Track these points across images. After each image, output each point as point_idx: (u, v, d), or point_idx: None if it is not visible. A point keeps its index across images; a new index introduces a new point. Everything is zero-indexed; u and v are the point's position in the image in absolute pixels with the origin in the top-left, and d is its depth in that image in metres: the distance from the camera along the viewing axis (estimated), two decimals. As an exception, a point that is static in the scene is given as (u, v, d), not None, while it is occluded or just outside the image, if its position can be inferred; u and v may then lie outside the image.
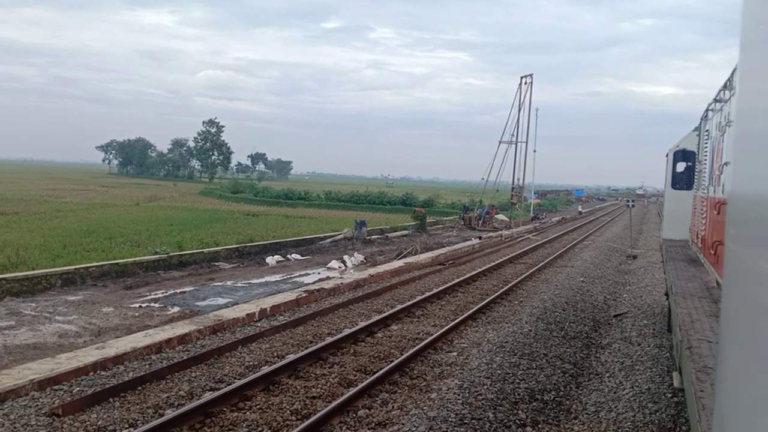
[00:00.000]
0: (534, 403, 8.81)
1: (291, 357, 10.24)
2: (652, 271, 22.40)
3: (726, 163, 8.08)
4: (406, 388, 9.22)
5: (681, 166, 13.50)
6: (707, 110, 11.29)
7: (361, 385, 8.86)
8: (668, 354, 10.91)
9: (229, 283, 19.29)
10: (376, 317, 13.45)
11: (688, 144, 13.54)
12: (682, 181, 13.33)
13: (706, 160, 11.16)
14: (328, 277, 19.41)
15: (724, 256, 2.02)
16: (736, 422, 1.57)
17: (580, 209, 74.27)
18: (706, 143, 11.39)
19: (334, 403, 8.12)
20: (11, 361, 10.11)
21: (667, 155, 14.67)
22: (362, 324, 12.78)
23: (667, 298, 11.19)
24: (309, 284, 17.80)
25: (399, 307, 14.60)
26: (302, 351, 10.66)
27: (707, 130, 11.31)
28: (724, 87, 9.12)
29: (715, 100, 9.97)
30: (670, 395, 8.93)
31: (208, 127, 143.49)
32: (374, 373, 9.62)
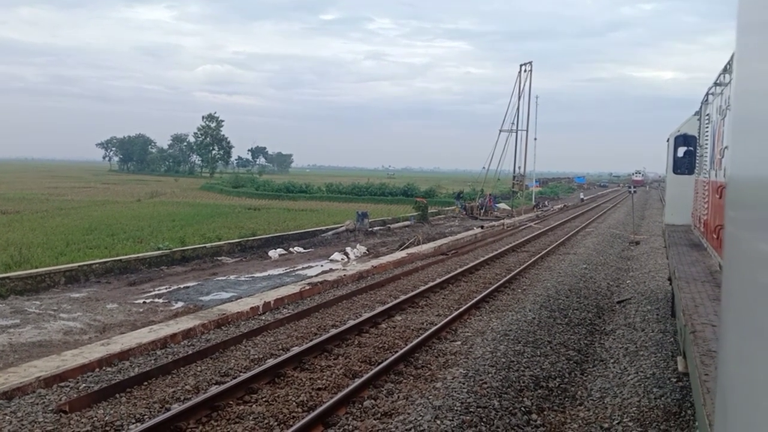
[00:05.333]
0: (539, 391, 8.81)
1: (296, 349, 10.23)
2: (655, 256, 22.36)
3: (727, 147, 8.05)
4: (411, 377, 9.21)
5: (682, 151, 13.47)
6: (707, 94, 11.24)
7: (366, 376, 8.85)
8: (672, 339, 10.90)
9: (232, 277, 19.33)
10: (380, 308, 13.43)
11: (688, 129, 13.49)
12: (684, 165, 13.30)
13: (707, 144, 11.13)
14: (331, 270, 19.43)
15: (723, 240, 2.00)
16: (738, 404, 1.58)
17: (581, 196, 74.10)
18: (706, 127, 11.35)
19: (340, 395, 8.12)
20: (17, 359, 10.14)
21: (668, 140, 14.62)
22: (366, 315, 12.76)
23: (671, 283, 11.19)
24: (312, 277, 17.80)
25: (402, 297, 14.59)
26: (307, 343, 10.66)
27: (708, 114, 11.27)
28: (724, 70, 9.08)
29: (716, 84, 9.93)
30: (674, 380, 8.91)
31: (207, 122, 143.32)
32: (379, 363, 9.60)
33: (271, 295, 14.34)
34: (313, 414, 7.48)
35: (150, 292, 16.69)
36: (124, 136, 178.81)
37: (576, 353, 10.81)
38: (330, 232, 30.93)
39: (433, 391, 8.39)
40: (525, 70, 44.16)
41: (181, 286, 17.62)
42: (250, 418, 7.62)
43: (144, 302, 15.11)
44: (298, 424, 7.19)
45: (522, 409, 8.07)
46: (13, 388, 8.15)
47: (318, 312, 13.47)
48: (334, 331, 11.47)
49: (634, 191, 35.22)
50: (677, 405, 8.09)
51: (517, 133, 44.77)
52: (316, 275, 18.19)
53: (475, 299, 14.35)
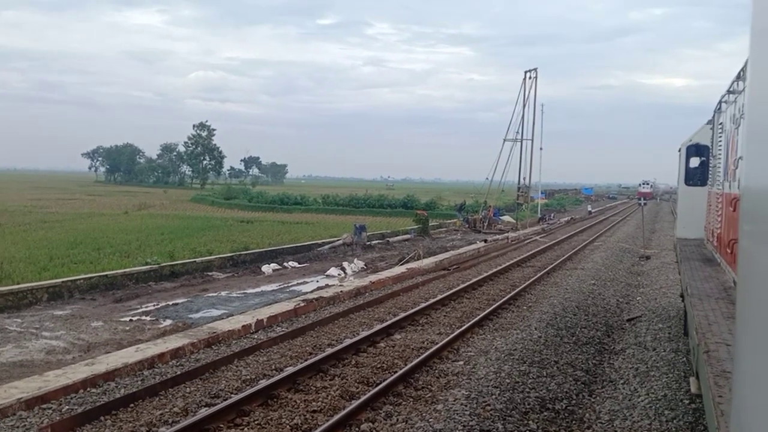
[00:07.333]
0: (545, 413, 8.56)
1: (290, 370, 10.00)
2: (666, 272, 22.01)
3: (741, 158, 7.76)
4: (411, 399, 8.99)
5: (694, 162, 13.23)
6: (720, 102, 11.03)
7: (363, 398, 8.64)
8: (685, 359, 10.65)
9: (223, 293, 19.13)
10: (378, 326, 13.16)
11: (701, 138, 13.27)
12: (696, 177, 13.05)
13: (720, 154, 10.88)
14: (327, 285, 19.14)
15: (738, 253, 2.02)
16: (754, 425, 1.56)
17: (589, 209, 73.51)
18: (720, 137, 11.10)
19: (336, 417, 7.92)
20: (-4, 379, 9.83)
21: (679, 150, 14.39)
22: (364, 333, 12.50)
23: (683, 300, 10.94)
24: (307, 293, 17.52)
25: (402, 315, 14.29)
26: (301, 363, 10.42)
27: (721, 123, 11.03)
28: (738, 77, 8.84)
29: (729, 92, 9.71)
30: (687, 401, 8.70)
31: (198, 131, 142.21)
32: (377, 384, 9.38)
33: (264, 313, 14.02)
34: (308, 440, 7.15)
35: (137, 309, 16.45)
36: (111, 145, 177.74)
37: (584, 374, 10.52)
38: (326, 246, 30.68)
39: (433, 414, 8.19)
40: (530, 77, 43.55)
41: (170, 302, 17.39)
42: (241, 443, 7.32)
43: (130, 320, 14.86)
44: (291, 453, 6.84)
45: (528, 433, 7.78)
46: (-10, 411, 7.84)
47: (313, 330, 13.18)
48: (330, 350, 11.21)
49: (644, 203, 35.17)
50: (690, 428, 7.90)
51: (522, 142, 44.03)
52: (312, 291, 17.92)
53: (479, 317, 14.07)
